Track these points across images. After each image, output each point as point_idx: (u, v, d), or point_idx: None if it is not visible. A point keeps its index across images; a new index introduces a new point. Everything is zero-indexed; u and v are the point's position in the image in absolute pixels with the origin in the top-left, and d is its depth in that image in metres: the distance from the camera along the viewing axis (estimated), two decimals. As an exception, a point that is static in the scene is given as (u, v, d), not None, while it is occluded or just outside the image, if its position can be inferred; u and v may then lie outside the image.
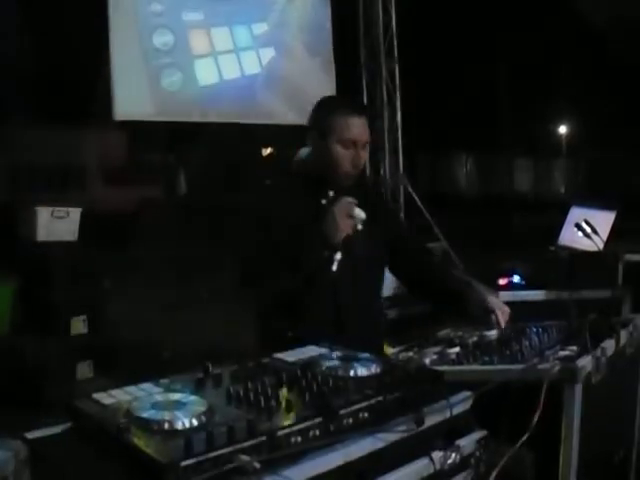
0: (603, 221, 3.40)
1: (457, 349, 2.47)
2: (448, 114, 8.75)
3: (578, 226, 2.99)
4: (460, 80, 8.54)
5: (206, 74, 6.12)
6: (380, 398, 1.76)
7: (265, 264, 2.55)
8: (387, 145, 7.20)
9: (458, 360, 2.34)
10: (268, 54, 6.54)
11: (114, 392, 1.79)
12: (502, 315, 2.61)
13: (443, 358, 2.39)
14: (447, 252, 3.66)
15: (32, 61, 5.42)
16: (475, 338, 2.60)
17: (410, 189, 7.20)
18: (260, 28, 6.50)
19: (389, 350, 2.60)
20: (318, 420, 1.63)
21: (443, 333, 2.74)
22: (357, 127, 2.65)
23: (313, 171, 2.72)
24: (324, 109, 2.75)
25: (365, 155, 2.71)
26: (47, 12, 5.30)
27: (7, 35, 5.39)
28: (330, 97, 2.99)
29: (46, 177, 6.38)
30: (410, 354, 2.48)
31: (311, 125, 2.74)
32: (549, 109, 9.64)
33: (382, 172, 7.22)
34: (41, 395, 4.87)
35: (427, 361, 2.37)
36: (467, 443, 1.91)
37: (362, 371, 1.90)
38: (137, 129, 6.23)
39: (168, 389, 1.79)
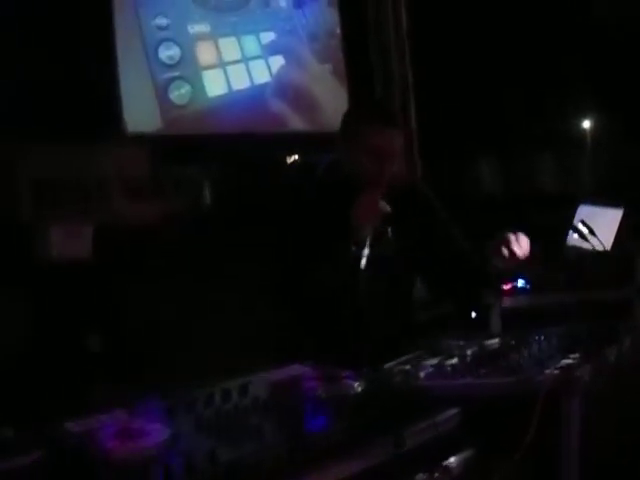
0: (611, 219, 3.28)
1: (455, 361, 2.37)
2: (467, 114, 8.62)
3: (574, 228, 2.87)
4: (477, 79, 8.41)
5: (215, 85, 6.06)
6: (357, 420, 1.68)
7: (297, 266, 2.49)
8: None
9: (453, 373, 2.24)
10: (277, 63, 6.46)
11: (85, 420, 1.73)
12: (519, 255, 2.46)
13: (439, 371, 2.29)
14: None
15: (40, 79, 5.41)
16: (475, 348, 2.50)
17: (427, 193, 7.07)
18: (268, 37, 6.42)
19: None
20: (287, 446, 1.55)
21: (444, 343, 2.64)
22: (382, 136, 2.53)
23: (342, 179, 2.62)
24: (351, 116, 2.68)
25: (392, 166, 2.56)
26: (54, 32, 5.29)
27: (16, 53, 5.39)
28: (360, 104, 2.89)
29: (63, 194, 6.35)
30: (407, 367, 2.38)
31: (340, 131, 2.67)
32: (567, 105, 9.47)
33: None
34: (56, 414, 4.83)
35: (422, 374, 2.26)
36: (456, 463, 1.82)
37: (342, 391, 1.82)
38: (157, 142, 6.19)
39: (138, 415, 1.73)
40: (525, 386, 1.92)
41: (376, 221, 2.49)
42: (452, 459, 1.81)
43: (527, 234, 2.60)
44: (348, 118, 2.66)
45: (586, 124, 9.93)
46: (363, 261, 2.43)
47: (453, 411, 1.86)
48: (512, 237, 2.50)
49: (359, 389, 1.85)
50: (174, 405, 1.79)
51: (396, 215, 2.57)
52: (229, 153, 6.33)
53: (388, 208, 2.51)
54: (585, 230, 2.86)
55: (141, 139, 5.84)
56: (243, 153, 6.41)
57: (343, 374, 1.92)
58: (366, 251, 2.43)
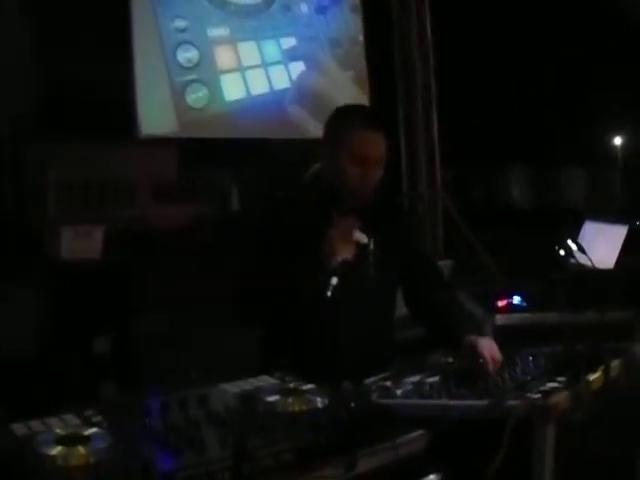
0: (616, 236, 3.16)
1: (436, 378, 2.27)
2: (497, 125, 8.51)
3: (561, 245, 2.74)
4: (506, 88, 8.29)
5: (233, 90, 6.03)
6: (308, 438, 1.60)
7: (260, 289, 2.39)
8: (423, 159, 7.01)
9: (431, 392, 2.14)
10: (298, 68, 6.42)
11: (33, 423, 1.69)
12: (492, 364, 2.36)
13: (417, 389, 2.20)
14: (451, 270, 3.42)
15: (56, 80, 5.44)
16: (461, 366, 2.41)
17: (448, 204, 6.99)
18: (289, 42, 6.38)
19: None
20: (228, 461, 1.47)
21: (432, 359, 2.55)
22: (369, 142, 2.44)
23: (324, 187, 2.53)
24: (336, 120, 2.56)
25: (377, 173, 2.48)
26: (72, 32, 5.31)
27: (41, 58, 5.42)
28: (345, 107, 2.76)
29: (85, 195, 6.37)
30: (387, 383, 2.29)
31: (324, 136, 2.58)
32: (602, 119, 9.27)
33: (419, 187, 7.05)
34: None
35: (399, 392, 2.18)
36: (419, 488, 1.73)
37: (300, 407, 1.74)
38: (185, 145, 6.17)
39: (86, 421, 1.67)
40: (495, 411, 1.83)
41: (349, 251, 2.37)
42: (415, 483, 1.72)
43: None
44: (332, 123, 2.57)
45: (617, 141, 9.76)
46: (329, 291, 2.31)
47: (418, 433, 1.76)
48: (484, 348, 2.38)
49: (320, 405, 1.76)
50: (128, 411, 1.73)
51: (377, 230, 2.48)
52: (247, 158, 6.29)
53: (365, 239, 2.41)
54: (574, 247, 2.74)
55: (158, 141, 5.83)
56: (260, 159, 6.40)
57: (306, 388, 1.84)
58: (334, 281, 2.31)
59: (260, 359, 2.62)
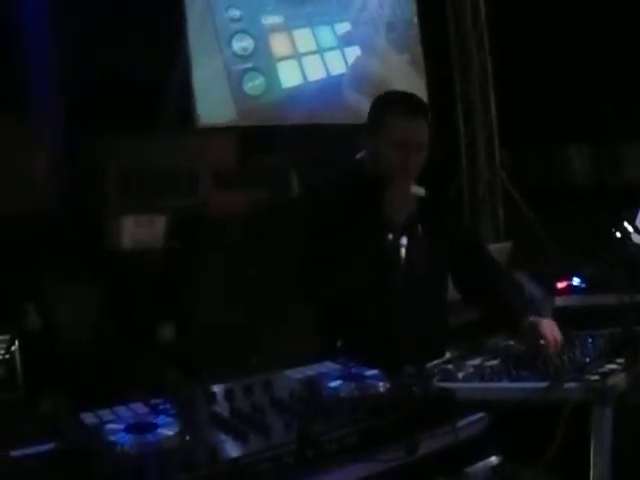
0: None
1: (496, 362, 2.30)
2: (555, 103, 8.36)
3: (617, 228, 2.71)
4: (564, 65, 8.13)
5: (289, 76, 6.08)
6: (370, 422, 1.63)
7: (328, 261, 2.41)
8: (482, 139, 6.98)
9: (491, 375, 2.17)
10: (353, 53, 6.43)
11: (102, 412, 1.75)
12: (553, 344, 2.37)
13: (479, 371, 2.22)
14: (513, 252, 3.40)
15: (115, 70, 5.53)
16: (521, 349, 2.42)
17: (508, 184, 6.95)
18: (343, 27, 6.40)
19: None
20: (293, 446, 1.52)
21: (492, 342, 2.57)
22: (408, 128, 2.46)
23: (368, 172, 2.56)
24: (377, 106, 2.60)
25: (418, 159, 2.51)
26: (127, 27, 5.38)
27: (98, 49, 5.51)
28: (387, 93, 2.78)
29: (148, 184, 6.48)
30: (449, 366, 2.32)
31: (366, 122, 2.61)
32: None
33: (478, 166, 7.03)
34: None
35: (460, 375, 2.21)
36: (479, 470, 1.75)
37: (362, 391, 1.78)
38: (244, 133, 6.24)
39: (154, 409, 1.73)
40: (554, 393, 1.84)
41: (411, 205, 2.42)
42: (476, 465, 1.75)
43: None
44: (374, 108, 2.59)
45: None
46: (402, 250, 2.37)
47: (477, 416, 1.79)
48: (545, 329, 2.38)
49: (382, 389, 1.80)
50: (193, 398, 1.79)
51: (427, 211, 2.51)
52: (305, 144, 6.31)
53: (422, 191, 2.45)
54: (630, 229, 2.71)
55: (217, 129, 5.90)
56: (318, 144, 6.41)
57: (368, 373, 1.88)
58: (404, 240, 2.37)
59: (317, 339, 2.66)
